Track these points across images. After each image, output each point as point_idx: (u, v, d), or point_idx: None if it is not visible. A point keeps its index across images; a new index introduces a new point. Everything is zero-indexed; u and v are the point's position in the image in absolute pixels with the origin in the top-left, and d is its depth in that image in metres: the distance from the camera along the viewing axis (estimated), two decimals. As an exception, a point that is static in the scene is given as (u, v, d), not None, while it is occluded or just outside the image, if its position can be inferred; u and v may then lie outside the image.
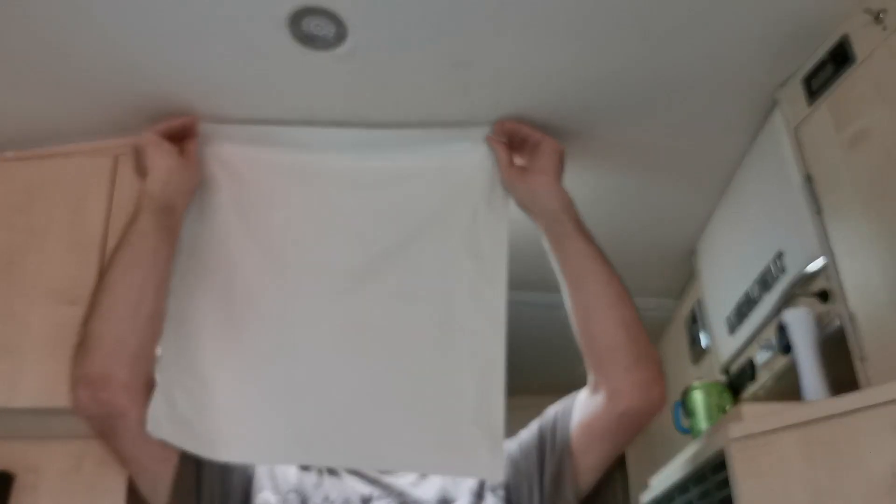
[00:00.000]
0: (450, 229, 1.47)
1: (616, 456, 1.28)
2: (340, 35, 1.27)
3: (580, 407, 1.29)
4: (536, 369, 2.54)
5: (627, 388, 1.22)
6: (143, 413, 1.18)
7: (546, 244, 1.37)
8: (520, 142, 1.45)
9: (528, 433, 1.34)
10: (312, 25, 1.25)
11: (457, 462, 1.30)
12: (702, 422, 1.57)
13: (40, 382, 1.34)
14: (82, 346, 1.18)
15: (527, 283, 2.06)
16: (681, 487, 1.38)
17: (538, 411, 1.46)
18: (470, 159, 1.51)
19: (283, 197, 1.50)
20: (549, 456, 1.29)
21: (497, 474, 1.27)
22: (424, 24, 1.26)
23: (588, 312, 1.29)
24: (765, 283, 1.50)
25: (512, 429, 2.57)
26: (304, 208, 1.48)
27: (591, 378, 1.28)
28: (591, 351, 1.28)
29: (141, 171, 1.35)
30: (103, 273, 1.24)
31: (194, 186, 1.38)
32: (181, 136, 1.40)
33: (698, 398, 1.59)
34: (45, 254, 1.44)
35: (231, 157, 1.50)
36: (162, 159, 1.33)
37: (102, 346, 1.18)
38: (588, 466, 1.25)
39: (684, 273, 2.09)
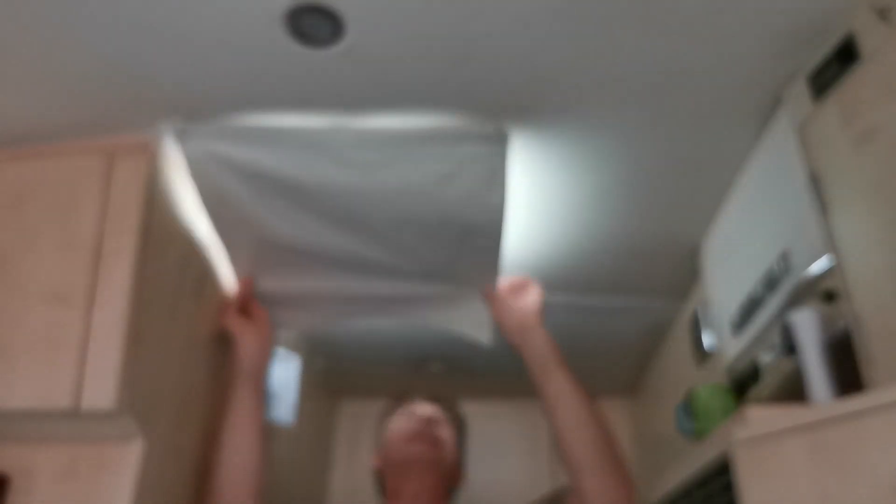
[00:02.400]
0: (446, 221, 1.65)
1: None
2: (337, 32, 1.27)
3: None
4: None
5: (595, 491, 1.52)
6: None
7: (529, 371, 1.70)
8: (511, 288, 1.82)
9: None
10: (309, 22, 1.25)
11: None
12: (705, 424, 1.57)
13: (34, 384, 1.34)
14: (213, 496, 1.57)
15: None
16: (685, 490, 1.39)
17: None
18: (467, 162, 1.55)
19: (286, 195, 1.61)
20: None
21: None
22: (421, 19, 1.25)
23: (563, 433, 1.60)
24: (769, 283, 1.49)
25: (529, 432, 2.57)
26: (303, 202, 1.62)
27: (571, 482, 1.58)
28: (566, 461, 1.58)
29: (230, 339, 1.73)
30: (217, 433, 1.63)
31: (271, 343, 1.78)
32: (247, 302, 1.78)
33: (702, 400, 1.59)
34: (38, 254, 1.42)
35: (232, 158, 1.53)
36: (248, 341, 1.71)
37: (230, 492, 1.57)
38: None
39: (688, 273, 2.07)
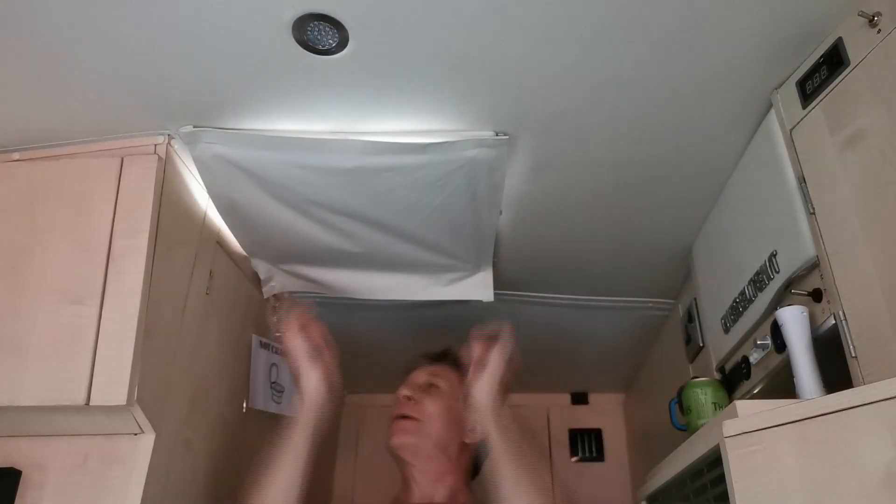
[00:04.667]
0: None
1: None
2: (342, 40, 1.29)
3: None
4: (539, 369, 2.57)
5: None
6: None
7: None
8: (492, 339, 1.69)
9: None
10: (315, 31, 1.26)
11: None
12: (698, 419, 1.57)
13: (45, 380, 1.35)
14: None
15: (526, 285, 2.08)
16: (677, 483, 1.40)
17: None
18: (467, 164, 1.58)
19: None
20: None
21: None
22: (423, 28, 1.27)
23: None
24: (759, 282, 1.52)
25: (530, 425, 2.56)
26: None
27: None
28: None
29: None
30: (268, 462, 1.51)
31: (336, 386, 1.65)
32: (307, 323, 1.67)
33: (694, 395, 1.59)
34: (51, 253, 1.44)
35: (238, 161, 1.57)
36: (319, 384, 1.61)
37: None
38: None
39: (681, 273, 2.10)
